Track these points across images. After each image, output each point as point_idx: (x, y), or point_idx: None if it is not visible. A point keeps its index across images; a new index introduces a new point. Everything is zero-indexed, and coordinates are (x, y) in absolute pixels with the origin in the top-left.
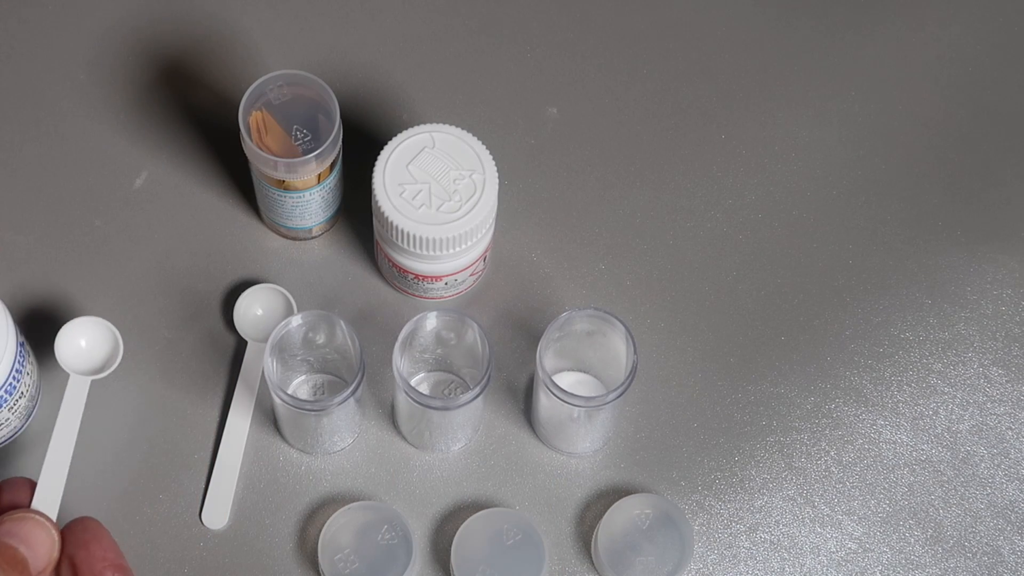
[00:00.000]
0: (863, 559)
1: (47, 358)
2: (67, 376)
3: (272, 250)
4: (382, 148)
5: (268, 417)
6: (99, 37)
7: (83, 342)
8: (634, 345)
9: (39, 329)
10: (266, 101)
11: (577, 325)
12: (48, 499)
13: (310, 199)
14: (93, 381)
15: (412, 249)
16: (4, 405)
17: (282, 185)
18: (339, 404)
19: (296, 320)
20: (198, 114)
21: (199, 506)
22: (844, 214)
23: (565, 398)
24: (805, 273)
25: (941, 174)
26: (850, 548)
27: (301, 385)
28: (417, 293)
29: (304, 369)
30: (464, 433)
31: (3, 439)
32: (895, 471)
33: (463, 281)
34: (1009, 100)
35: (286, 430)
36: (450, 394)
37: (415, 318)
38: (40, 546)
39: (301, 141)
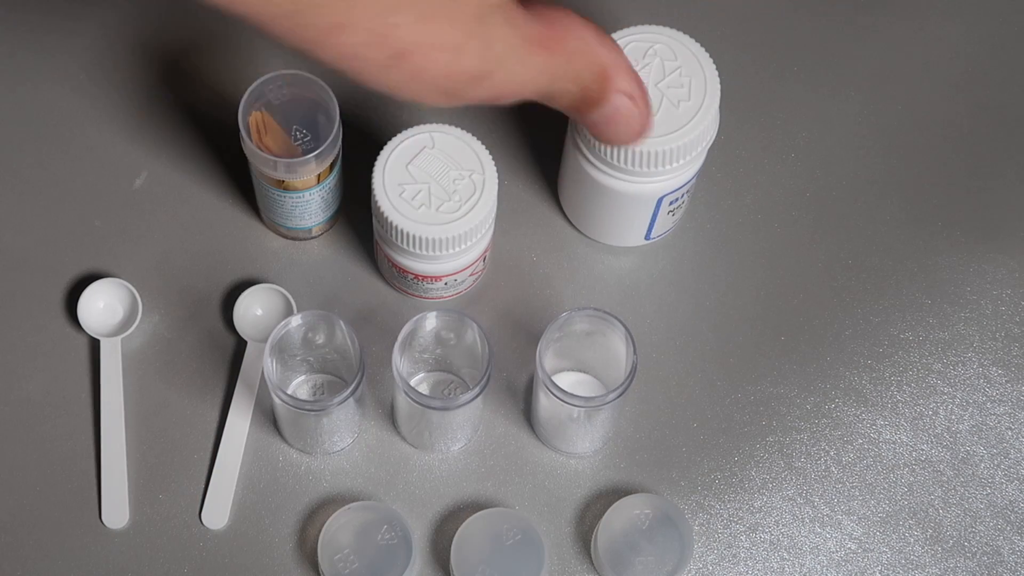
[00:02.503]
0: (863, 559)
1: (45, 357)
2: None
3: (272, 250)
4: (382, 148)
5: (268, 417)
6: (99, 37)
7: (101, 303)
8: (634, 345)
9: (38, 328)
10: (266, 101)
11: (577, 325)
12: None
13: (310, 199)
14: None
15: (412, 249)
16: None
17: (282, 185)
18: (339, 404)
19: (296, 320)
20: (198, 114)
21: (199, 506)
22: (844, 214)
23: (565, 398)
24: (805, 273)
25: (941, 174)
26: (850, 548)
27: (301, 385)
28: (417, 293)
29: (304, 369)
30: (464, 433)
31: None
32: (895, 471)
33: (463, 281)
34: (1009, 100)
35: (286, 430)
36: (450, 394)
37: (415, 318)
38: None
39: (301, 141)
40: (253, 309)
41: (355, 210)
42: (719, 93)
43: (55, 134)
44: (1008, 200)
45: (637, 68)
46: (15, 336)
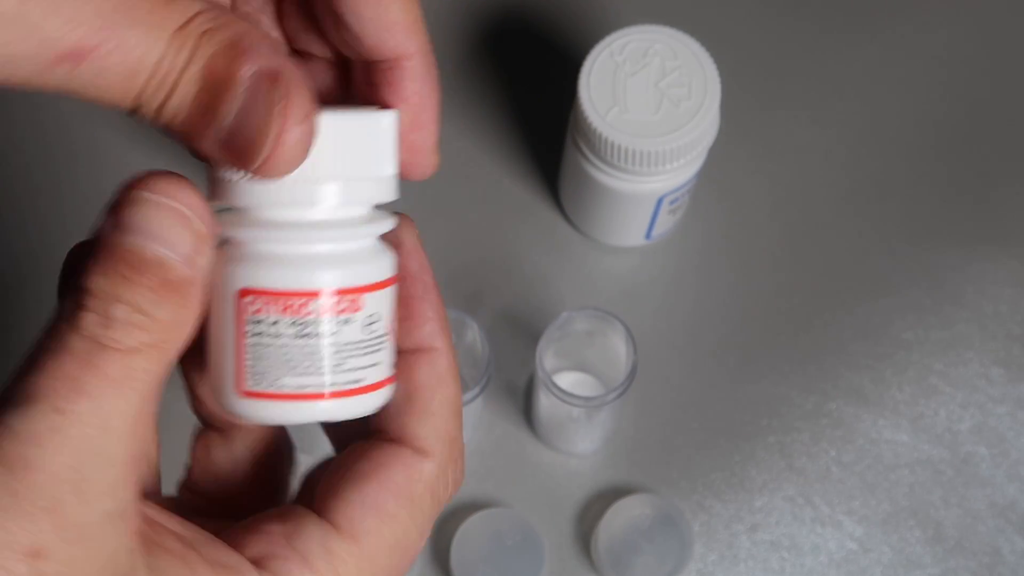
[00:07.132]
0: (863, 559)
1: None
2: None
3: None
4: None
5: None
6: None
7: None
8: (634, 345)
9: (38, 328)
10: None
11: (577, 325)
12: None
13: None
14: None
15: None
16: None
17: None
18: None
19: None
20: None
21: None
22: (844, 214)
23: (565, 398)
24: (805, 273)
25: (941, 174)
26: (850, 548)
27: None
28: None
29: None
30: (463, 433)
31: None
32: (895, 471)
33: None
34: (1009, 100)
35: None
36: None
37: None
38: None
39: None
40: None
41: None
42: (719, 93)
43: (55, 134)
44: (1008, 200)
45: (637, 68)
46: (15, 336)
